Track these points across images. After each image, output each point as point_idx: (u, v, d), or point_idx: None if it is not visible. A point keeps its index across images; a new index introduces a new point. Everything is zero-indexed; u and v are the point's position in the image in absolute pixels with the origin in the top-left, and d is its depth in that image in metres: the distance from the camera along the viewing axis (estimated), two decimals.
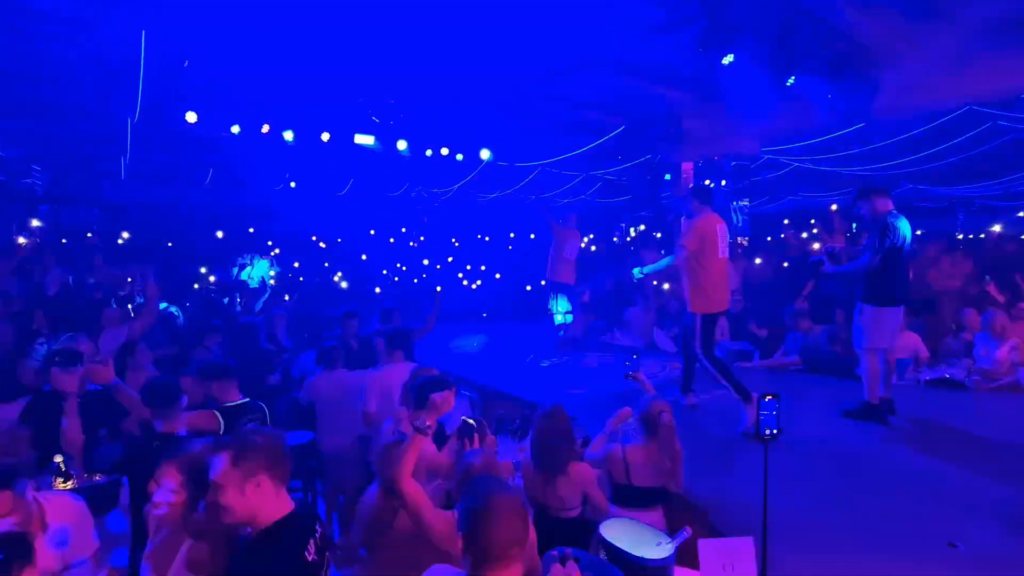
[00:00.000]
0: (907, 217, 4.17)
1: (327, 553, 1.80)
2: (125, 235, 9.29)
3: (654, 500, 2.82)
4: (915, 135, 8.82)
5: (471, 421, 2.72)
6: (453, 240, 13.28)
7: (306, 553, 1.67)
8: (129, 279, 6.48)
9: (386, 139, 9.37)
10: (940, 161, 10.13)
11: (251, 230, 13.49)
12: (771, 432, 2.21)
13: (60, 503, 2.22)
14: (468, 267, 11.76)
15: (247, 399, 3.14)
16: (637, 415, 2.95)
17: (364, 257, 10.91)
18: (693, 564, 2.35)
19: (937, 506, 3.00)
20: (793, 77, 5.53)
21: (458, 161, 10.54)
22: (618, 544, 2.22)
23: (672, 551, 2.18)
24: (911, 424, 4.19)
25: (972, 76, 6.22)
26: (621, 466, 2.82)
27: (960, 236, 10.93)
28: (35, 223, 8.95)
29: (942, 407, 4.57)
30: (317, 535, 1.76)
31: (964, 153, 9.70)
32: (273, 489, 1.69)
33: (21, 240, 6.42)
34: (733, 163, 10.41)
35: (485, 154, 10.48)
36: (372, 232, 15.28)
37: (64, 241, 7.46)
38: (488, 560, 1.53)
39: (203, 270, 9.06)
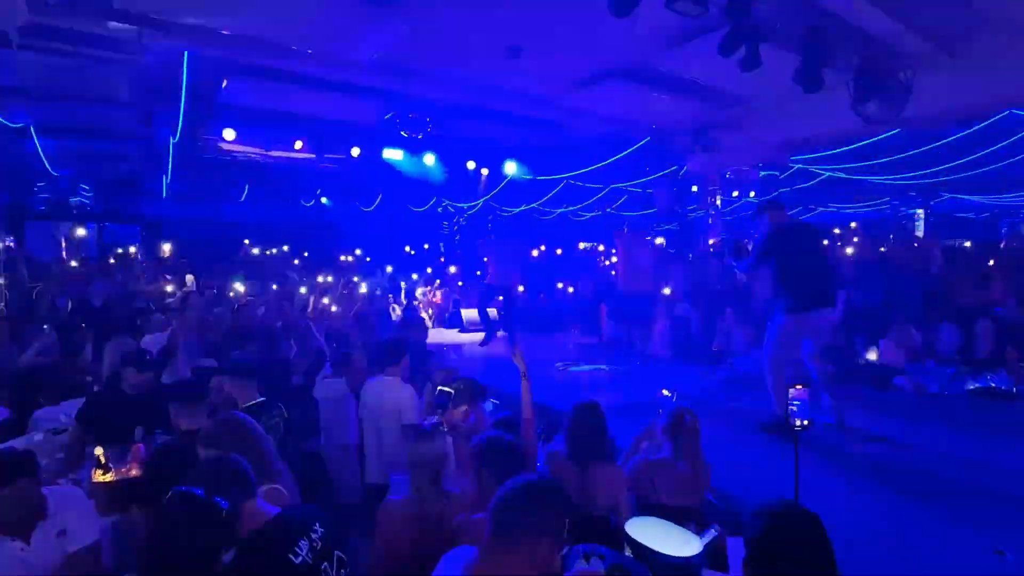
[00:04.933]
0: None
1: (335, 553, 1.75)
2: (167, 249, 9.69)
3: (681, 520, 2.59)
4: (952, 142, 8.56)
5: (447, 389, 2.73)
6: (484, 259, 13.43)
7: (292, 556, 1.60)
8: (171, 287, 6.73)
9: (414, 154, 9.59)
10: (979, 169, 9.82)
11: (285, 248, 13.92)
12: (802, 423, 2.15)
13: (61, 493, 2.30)
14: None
15: (263, 399, 3.20)
16: (662, 425, 2.87)
17: (390, 269, 11.07)
18: (722, 565, 2.30)
19: (982, 514, 2.86)
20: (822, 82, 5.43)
21: (483, 175, 10.71)
22: (645, 542, 2.18)
23: (701, 549, 2.13)
24: (955, 432, 4.02)
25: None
26: (646, 481, 2.70)
27: (1003, 246, 10.50)
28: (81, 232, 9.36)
29: (988, 416, 4.38)
30: (316, 536, 1.69)
31: (1005, 160, 9.39)
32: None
33: (74, 263, 6.78)
34: (761, 174, 10.27)
35: (511, 167, 10.60)
36: (408, 248, 15.59)
37: (112, 260, 7.82)
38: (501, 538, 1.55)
39: (237, 285, 9.31)
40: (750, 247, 4.67)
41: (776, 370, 4.07)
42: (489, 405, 4.35)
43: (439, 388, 2.78)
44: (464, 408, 3.05)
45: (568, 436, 2.75)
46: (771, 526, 1.36)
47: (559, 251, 15.56)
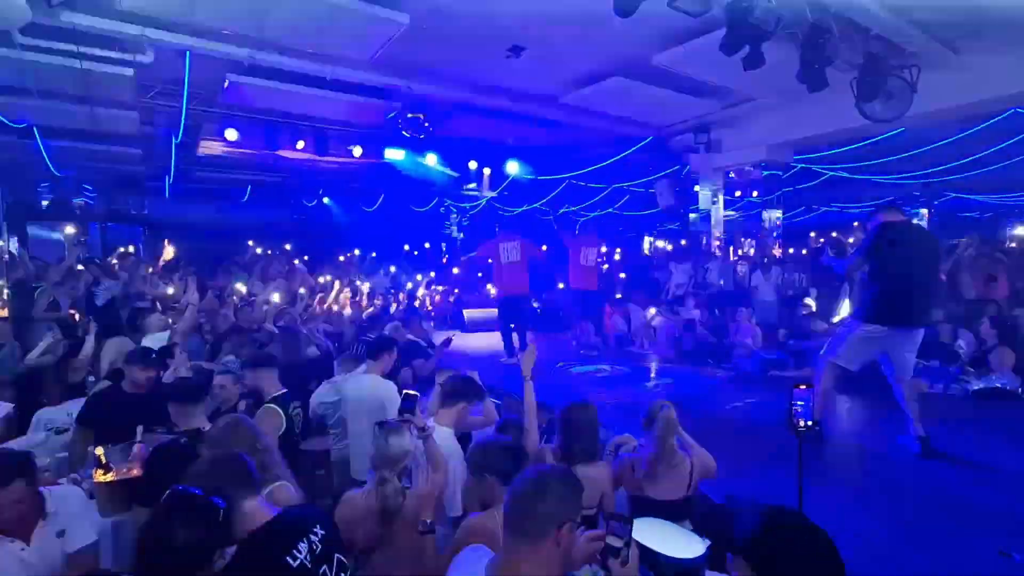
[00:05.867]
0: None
1: (336, 556, 1.72)
2: (170, 250, 9.69)
3: (675, 514, 2.59)
4: (956, 141, 8.53)
5: (413, 393, 2.70)
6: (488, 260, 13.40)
7: (290, 559, 1.56)
8: (172, 290, 6.73)
9: (416, 153, 9.59)
10: (984, 168, 9.78)
11: (288, 247, 13.95)
12: (806, 424, 2.12)
13: (61, 494, 2.29)
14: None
15: (286, 390, 3.25)
16: (644, 420, 2.85)
17: (393, 268, 11.07)
18: (722, 567, 2.28)
19: (987, 514, 2.84)
20: (825, 81, 5.40)
21: (485, 175, 10.70)
22: (647, 543, 2.16)
23: (704, 551, 2.11)
24: (960, 433, 3.99)
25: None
26: (632, 478, 2.70)
27: (1011, 245, 10.46)
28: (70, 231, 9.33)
29: (993, 416, 4.36)
30: (316, 538, 1.67)
31: (1010, 159, 9.35)
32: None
33: (80, 267, 6.79)
34: (764, 173, 10.23)
35: (513, 167, 10.59)
36: (407, 247, 15.59)
37: (115, 262, 7.82)
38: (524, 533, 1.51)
39: (240, 285, 9.32)
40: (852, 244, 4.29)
41: (826, 374, 3.81)
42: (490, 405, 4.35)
43: (405, 392, 2.77)
44: (462, 406, 3.04)
45: (559, 434, 2.75)
46: (779, 546, 1.33)
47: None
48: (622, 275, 10.11)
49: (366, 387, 3.57)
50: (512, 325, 7.07)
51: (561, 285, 10.06)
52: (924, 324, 3.67)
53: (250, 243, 11.53)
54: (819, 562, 1.28)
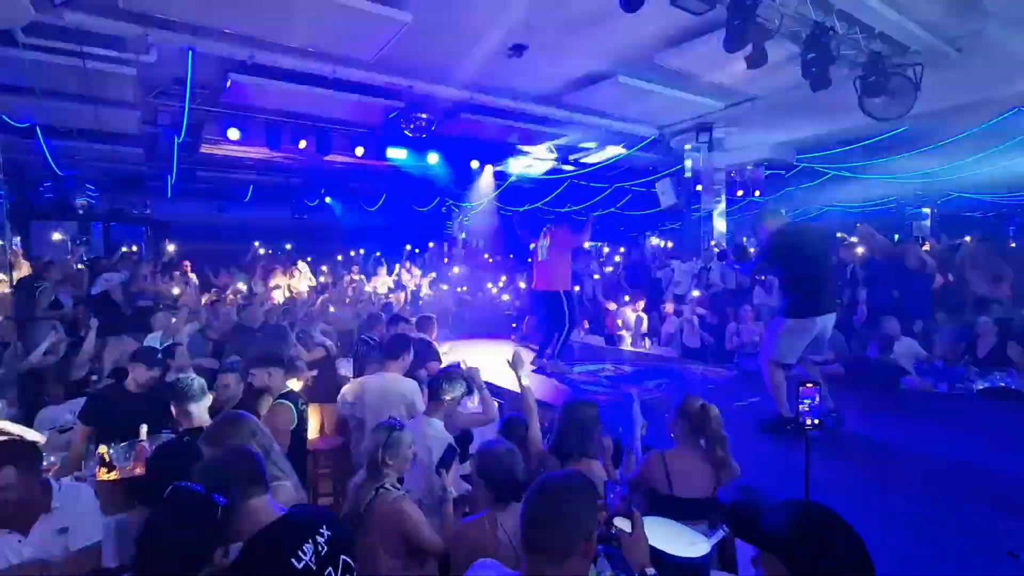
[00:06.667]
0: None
1: (342, 558, 1.69)
2: (172, 248, 9.70)
3: (700, 513, 2.54)
4: (959, 140, 8.50)
5: (455, 448, 2.71)
6: (487, 256, 13.38)
7: (294, 560, 1.54)
8: (176, 289, 6.74)
9: (418, 153, 9.57)
10: (987, 168, 9.74)
11: (288, 246, 13.96)
12: (813, 422, 2.11)
13: (71, 489, 2.26)
14: (502, 281, 11.69)
15: (289, 389, 3.29)
16: (674, 416, 2.81)
17: (398, 267, 11.07)
18: (730, 565, 2.27)
19: (993, 516, 2.82)
20: (829, 79, 5.38)
21: (485, 172, 10.69)
22: (652, 542, 2.15)
23: (709, 550, 2.10)
24: (963, 433, 3.97)
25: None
26: (661, 474, 2.60)
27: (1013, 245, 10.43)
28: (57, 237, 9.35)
29: (997, 415, 4.34)
30: (322, 539, 1.63)
31: (1014, 158, 9.31)
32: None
33: (80, 265, 6.80)
34: (766, 172, 10.21)
35: (515, 166, 10.58)
36: (409, 247, 15.57)
37: (117, 261, 7.83)
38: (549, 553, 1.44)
39: (240, 284, 9.32)
40: (752, 249, 4.75)
41: (774, 371, 4.05)
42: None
43: (449, 444, 2.79)
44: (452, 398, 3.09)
45: (556, 431, 2.73)
46: (814, 536, 1.30)
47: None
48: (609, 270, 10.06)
49: (386, 386, 3.58)
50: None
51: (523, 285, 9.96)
52: (835, 308, 4.13)
53: (256, 245, 11.54)
54: (855, 560, 1.26)
